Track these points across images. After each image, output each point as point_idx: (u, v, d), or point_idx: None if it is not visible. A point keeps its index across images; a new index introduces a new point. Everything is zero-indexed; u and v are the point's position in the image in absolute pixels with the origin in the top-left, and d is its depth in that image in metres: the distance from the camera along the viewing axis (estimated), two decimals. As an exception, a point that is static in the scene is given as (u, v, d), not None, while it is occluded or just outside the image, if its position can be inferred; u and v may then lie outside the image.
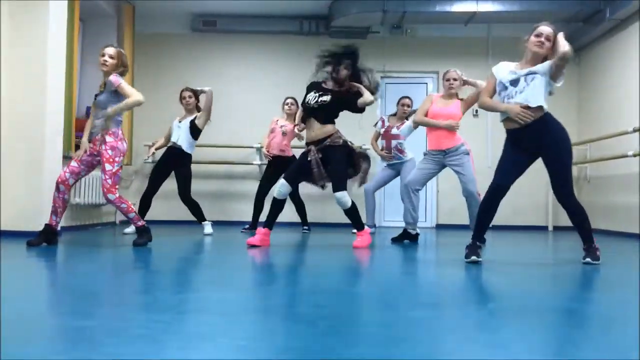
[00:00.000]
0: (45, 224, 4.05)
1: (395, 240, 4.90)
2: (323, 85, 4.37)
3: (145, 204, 5.32)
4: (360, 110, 4.34)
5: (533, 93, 3.30)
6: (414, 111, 5.44)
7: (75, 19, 5.58)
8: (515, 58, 3.54)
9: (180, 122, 5.42)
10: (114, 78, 3.99)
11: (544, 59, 3.36)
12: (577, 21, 7.10)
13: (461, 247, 3.63)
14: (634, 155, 5.78)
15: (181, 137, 5.34)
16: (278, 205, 4.31)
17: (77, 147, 5.57)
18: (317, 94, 4.29)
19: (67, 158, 5.23)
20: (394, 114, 5.97)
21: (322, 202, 6.95)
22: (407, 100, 5.90)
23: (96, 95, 4.13)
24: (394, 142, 5.78)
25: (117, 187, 4.04)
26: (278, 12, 7.53)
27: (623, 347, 1.54)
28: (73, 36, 5.53)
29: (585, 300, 2.42)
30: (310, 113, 4.30)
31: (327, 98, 4.25)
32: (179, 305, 2.02)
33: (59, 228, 4.14)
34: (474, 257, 3.40)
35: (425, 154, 4.84)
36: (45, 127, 4.74)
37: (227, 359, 1.38)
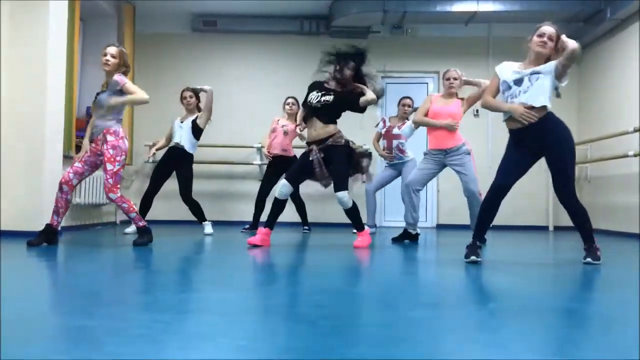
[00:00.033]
0: (46, 224, 4.05)
1: (395, 240, 4.90)
2: (325, 85, 4.37)
3: (146, 203, 5.33)
4: (362, 110, 4.33)
5: (537, 93, 3.30)
6: (416, 109, 5.43)
7: (75, 18, 5.59)
8: (515, 58, 3.54)
9: (182, 122, 5.43)
10: (119, 78, 3.99)
11: (547, 59, 3.36)
12: (578, 21, 7.10)
13: (461, 247, 3.63)
14: (634, 155, 5.78)
15: (184, 137, 5.35)
16: (279, 205, 4.32)
17: (77, 147, 5.60)
18: (319, 94, 4.29)
19: (67, 158, 5.24)
20: (396, 116, 5.97)
21: (322, 202, 6.96)
22: (407, 101, 5.90)
23: (98, 94, 4.13)
24: (395, 142, 5.78)
25: (119, 186, 4.05)
26: (278, 12, 7.53)
27: (623, 347, 1.54)
28: (73, 36, 5.54)
29: (585, 300, 2.41)
30: (313, 113, 4.29)
31: (329, 98, 4.24)
32: (179, 305, 2.02)
33: (59, 228, 4.14)
34: (473, 257, 3.40)
35: (425, 154, 4.84)
36: (45, 127, 4.74)
37: (227, 359, 1.38)
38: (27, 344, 1.47)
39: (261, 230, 4.31)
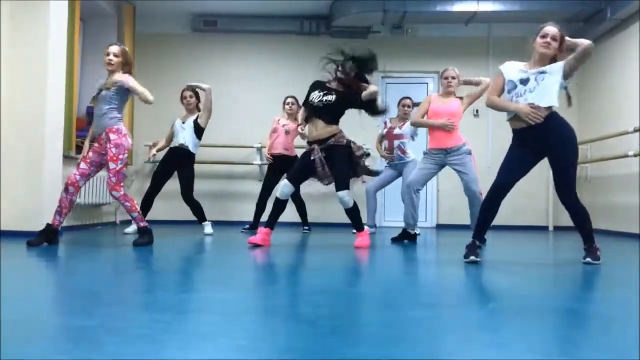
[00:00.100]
0: (47, 224, 4.05)
1: (395, 240, 4.90)
2: (327, 84, 4.36)
3: (147, 203, 5.33)
4: (364, 105, 4.28)
5: (544, 92, 3.29)
6: (417, 104, 5.42)
7: (75, 18, 5.59)
8: (515, 58, 3.54)
9: (183, 122, 5.42)
10: (124, 78, 4.00)
11: (552, 59, 3.36)
12: (578, 21, 7.10)
13: (461, 247, 3.63)
14: (635, 155, 5.78)
15: (187, 137, 5.35)
16: (280, 205, 4.32)
17: (78, 147, 5.60)
18: (321, 93, 4.28)
19: (67, 158, 5.24)
20: (396, 116, 5.98)
21: (323, 202, 6.96)
22: (407, 101, 5.90)
23: (100, 90, 4.10)
24: (396, 142, 5.78)
25: (121, 184, 4.05)
26: (278, 12, 7.53)
27: (623, 347, 1.54)
28: (73, 36, 5.54)
29: (585, 300, 2.42)
30: (315, 112, 4.29)
31: (331, 97, 4.24)
32: (179, 305, 2.02)
33: (59, 228, 4.14)
34: (472, 257, 3.40)
35: (425, 153, 4.83)
36: (45, 127, 4.74)
37: (227, 359, 1.38)
38: (27, 344, 1.47)
39: (262, 230, 4.32)
